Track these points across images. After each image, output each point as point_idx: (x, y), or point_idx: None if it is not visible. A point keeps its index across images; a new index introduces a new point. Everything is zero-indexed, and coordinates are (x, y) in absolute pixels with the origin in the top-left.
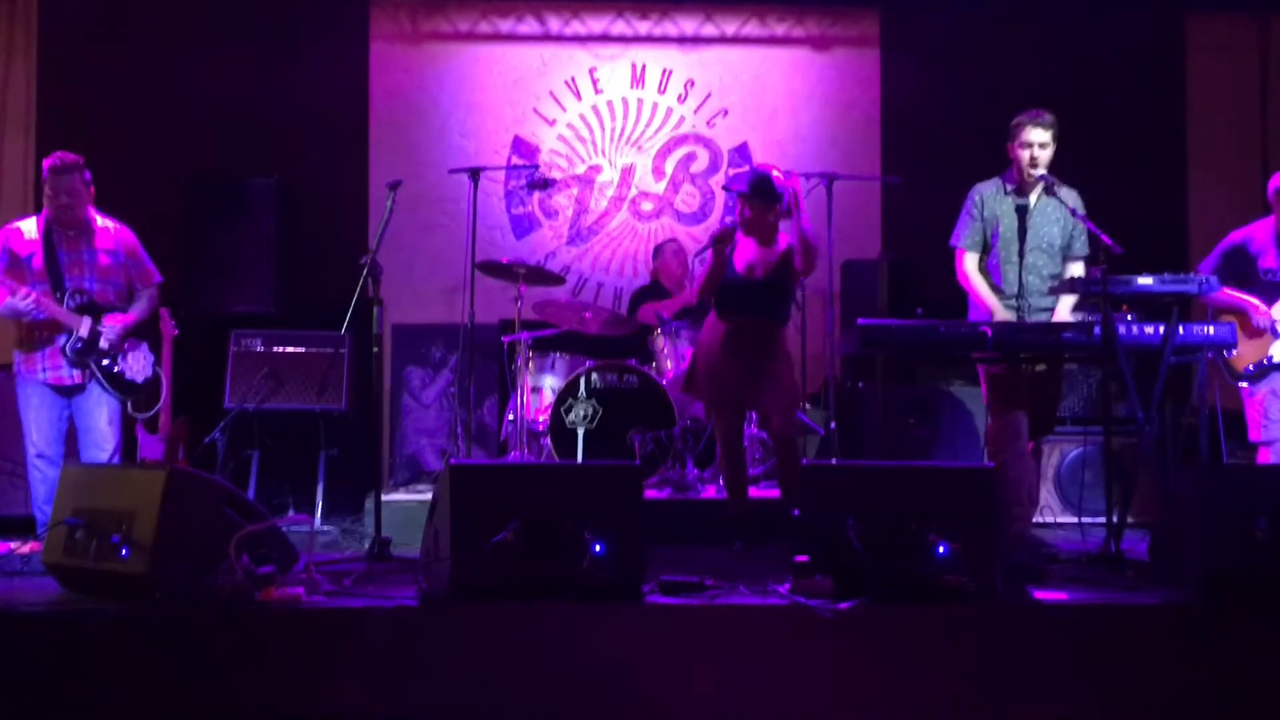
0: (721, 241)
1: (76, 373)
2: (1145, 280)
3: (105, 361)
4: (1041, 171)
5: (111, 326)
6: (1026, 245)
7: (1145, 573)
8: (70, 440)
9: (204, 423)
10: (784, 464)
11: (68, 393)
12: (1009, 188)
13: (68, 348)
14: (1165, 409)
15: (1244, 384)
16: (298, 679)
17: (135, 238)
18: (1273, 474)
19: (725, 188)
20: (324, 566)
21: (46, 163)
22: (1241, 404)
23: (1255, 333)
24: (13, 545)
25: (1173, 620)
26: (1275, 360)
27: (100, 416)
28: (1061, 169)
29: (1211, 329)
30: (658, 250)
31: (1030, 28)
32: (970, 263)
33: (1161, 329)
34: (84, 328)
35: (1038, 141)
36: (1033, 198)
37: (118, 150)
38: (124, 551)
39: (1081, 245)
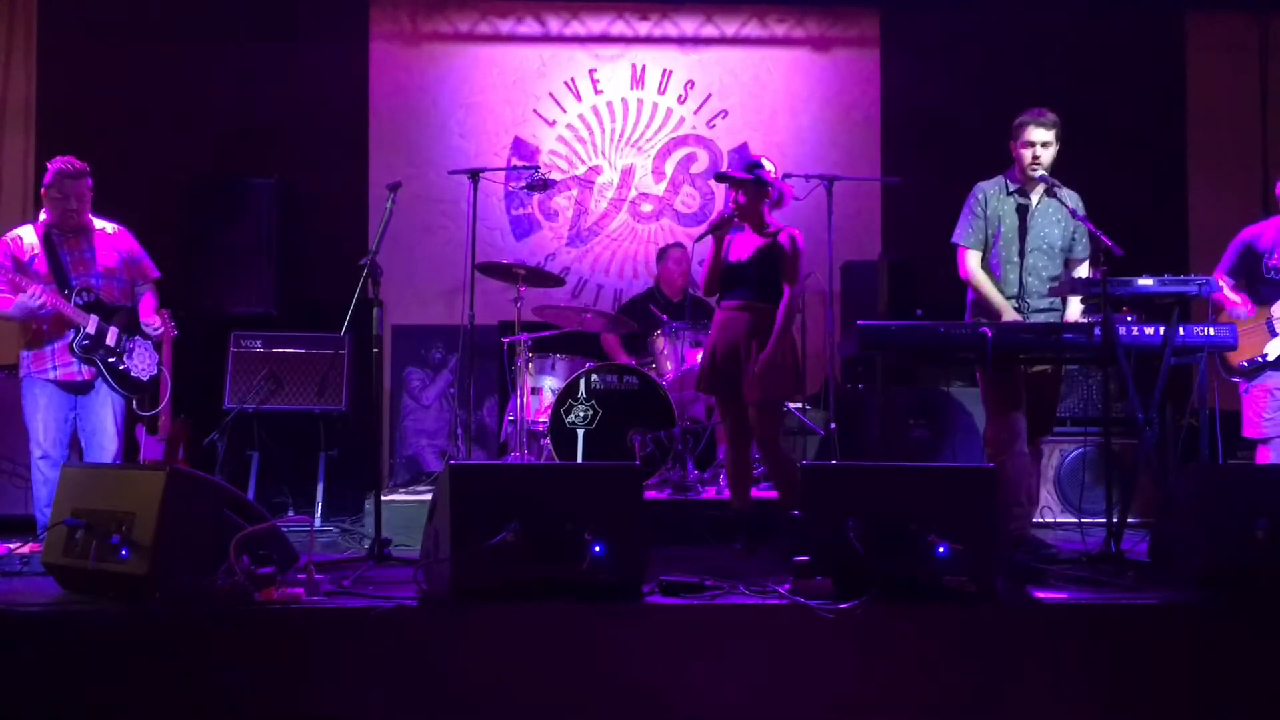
0: (720, 228)
1: (87, 369)
2: (1146, 281)
3: (112, 359)
4: (1043, 171)
5: (146, 321)
6: (1027, 246)
7: (1145, 573)
8: (73, 443)
9: (204, 423)
10: (770, 473)
11: (76, 390)
12: (1011, 187)
13: (75, 344)
14: (1165, 409)
15: (1236, 379)
16: (298, 679)
17: (133, 237)
18: (1273, 474)
19: (717, 176)
20: (324, 567)
21: (57, 167)
22: (1240, 404)
23: (1246, 329)
24: (12, 545)
25: (1173, 620)
26: (1270, 358)
27: (106, 416)
28: (1062, 169)
29: (1212, 330)
30: (661, 254)
31: (1030, 28)
32: (973, 260)
33: (1162, 330)
34: (91, 324)
35: (1040, 141)
36: (1034, 197)
37: (118, 150)
38: (124, 552)
39: (1083, 248)
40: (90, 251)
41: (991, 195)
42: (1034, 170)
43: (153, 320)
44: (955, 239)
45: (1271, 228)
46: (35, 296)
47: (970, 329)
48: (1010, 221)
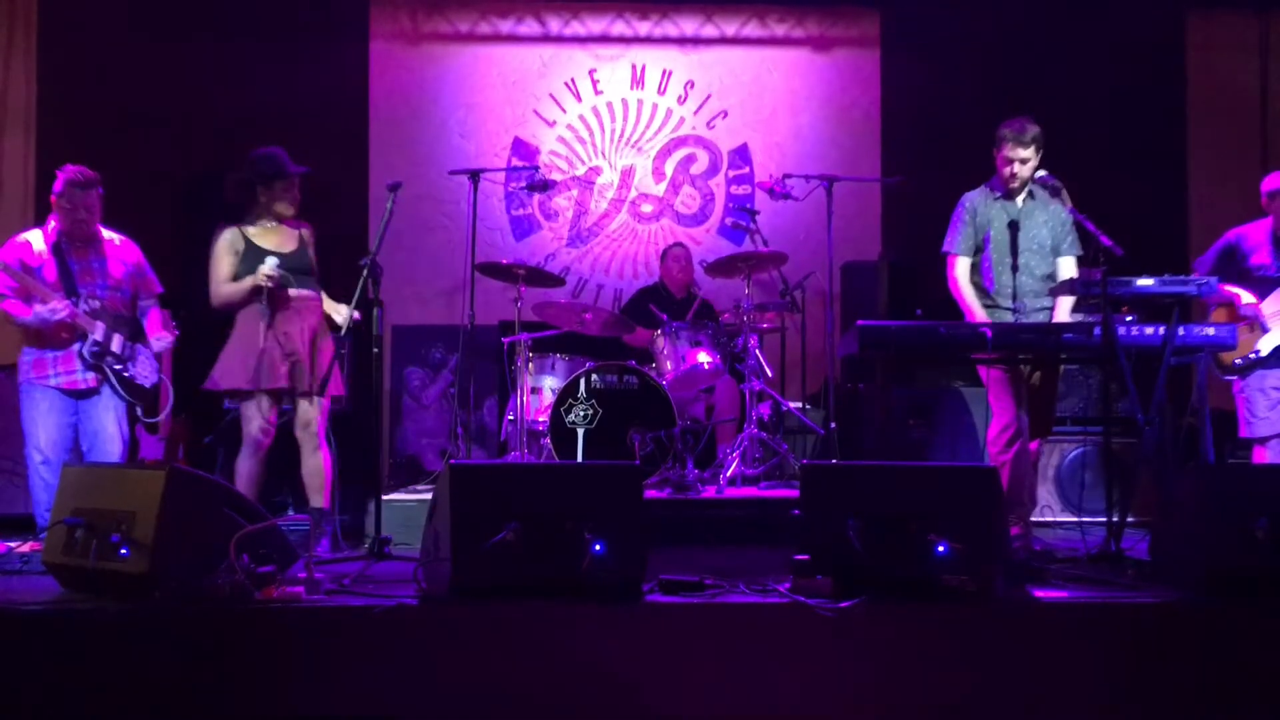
0: None
1: (91, 376)
2: (1145, 281)
3: (118, 366)
4: (1019, 184)
5: (158, 336)
6: (1019, 248)
7: (1145, 572)
8: (73, 447)
9: (204, 423)
10: None
11: (78, 396)
12: (996, 194)
13: (85, 350)
14: (1165, 409)
15: (1230, 378)
16: (298, 679)
17: (139, 250)
18: (1273, 474)
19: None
20: (324, 565)
21: (68, 176)
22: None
23: (1241, 324)
24: (12, 544)
25: (1173, 620)
26: (1262, 354)
27: (110, 420)
28: (1063, 169)
29: (1211, 330)
30: (663, 256)
31: (1030, 27)
32: (962, 268)
33: (1161, 330)
34: (99, 332)
35: (1018, 158)
36: (1020, 201)
37: (117, 150)
38: (124, 551)
39: (1071, 244)
40: (99, 262)
41: (979, 203)
42: (1013, 183)
43: (164, 335)
44: (946, 248)
45: (1256, 230)
46: (55, 311)
47: (970, 329)
48: (999, 226)
